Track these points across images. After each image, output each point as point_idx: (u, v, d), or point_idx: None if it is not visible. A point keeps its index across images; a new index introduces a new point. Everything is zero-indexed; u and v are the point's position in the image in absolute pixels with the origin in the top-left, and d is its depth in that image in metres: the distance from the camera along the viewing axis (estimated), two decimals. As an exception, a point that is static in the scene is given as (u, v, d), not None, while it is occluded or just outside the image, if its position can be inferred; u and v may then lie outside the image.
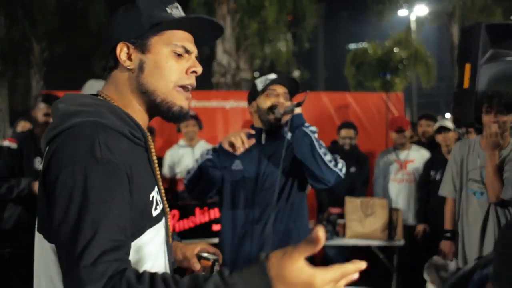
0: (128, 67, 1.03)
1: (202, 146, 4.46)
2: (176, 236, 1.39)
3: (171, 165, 4.51)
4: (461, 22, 12.35)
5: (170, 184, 4.47)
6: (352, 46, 24.90)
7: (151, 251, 1.00)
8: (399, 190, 4.20)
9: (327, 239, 3.64)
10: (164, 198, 1.09)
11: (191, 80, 1.07)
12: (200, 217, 3.70)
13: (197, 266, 1.29)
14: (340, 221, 3.77)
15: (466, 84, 3.04)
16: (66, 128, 0.93)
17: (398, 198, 4.19)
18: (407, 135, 4.27)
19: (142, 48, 1.02)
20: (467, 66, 3.00)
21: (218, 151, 2.21)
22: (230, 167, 2.22)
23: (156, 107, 1.05)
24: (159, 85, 1.03)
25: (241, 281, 0.74)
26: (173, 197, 4.42)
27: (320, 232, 0.71)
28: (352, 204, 3.68)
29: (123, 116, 0.99)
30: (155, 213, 1.01)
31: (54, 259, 0.91)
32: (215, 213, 3.71)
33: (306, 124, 2.05)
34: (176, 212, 3.68)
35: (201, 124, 4.53)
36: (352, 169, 4.41)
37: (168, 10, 1.05)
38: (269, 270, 0.73)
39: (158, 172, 1.07)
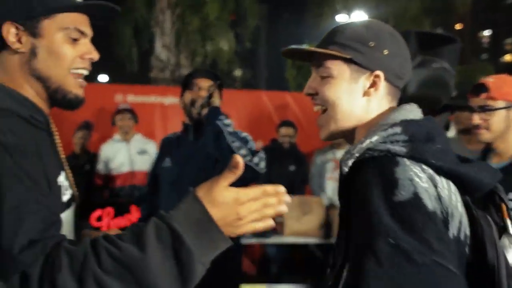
0: (19, 50, 0.97)
1: (138, 141, 4.33)
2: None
3: (105, 161, 4.32)
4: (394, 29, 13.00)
5: (105, 180, 4.29)
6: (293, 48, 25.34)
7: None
8: (335, 188, 4.31)
9: (266, 236, 3.66)
10: (73, 184, 1.07)
11: (85, 64, 1.03)
12: (137, 214, 3.57)
13: None
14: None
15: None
16: None
17: (334, 196, 4.31)
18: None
19: (33, 31, 0.96)
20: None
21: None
22: (161, 165, 2.17)
23: (50, 94, 1.01)
24: (54, 72, 0.99)
25: (177, 213, 0.78)
26: (109, 194, 4.25)
27: (238, 158, 0.80)
28: (289, 202, 3.72)
29: (19, 98, 0.95)
30: (64, 198, 0.99)
31: None
32: (151, 211, 3.61)
33: (221, 117, 1.99)
34: (111, 209, 3.54)
35: (137, 118, 4.38)
36: (291, 168, 4.48)
37: None
38: (200, 197, 0.79)
39: (63, 156, 1.06)
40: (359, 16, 15.40)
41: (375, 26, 1.02)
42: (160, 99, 5.13)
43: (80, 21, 1.01)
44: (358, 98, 1.00)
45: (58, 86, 1.00)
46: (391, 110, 1.00)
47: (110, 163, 4.31)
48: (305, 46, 1.08)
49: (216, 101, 2.04)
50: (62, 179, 0.98)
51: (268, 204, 0.82)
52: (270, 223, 0.83)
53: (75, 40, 1.00)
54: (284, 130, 4.45)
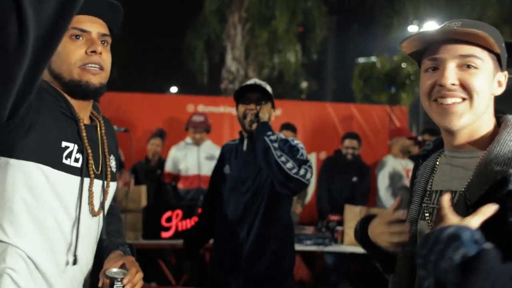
0: None
1: (208, 146, 4.53)
2: (122, 246, 1.35)
3: (175, 161, 4.55)
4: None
5: (173, 179, 4.56)
6: (361, 59, 24.98)
7: (57, 189, 1.10)
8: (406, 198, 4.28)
9: (326, 245, 3.71)
10: (91, 164, 1.19)
11: (93, 59, 1.16)
12: (203, 217, 3.78)
13: (100, 282, 1.25)
14: (339, 228, 3.84)
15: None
16: None
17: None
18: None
19: None
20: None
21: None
22: (222, 171, 2.34)
23: (67, 87, 1.16)
24: (63, 68, 1.15)
25: None
26: (176, 196, 4.51)
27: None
28: (351, 211, 3.75)
29: (51, 89, 1.15)
30: (66, 161, 1.13)
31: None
32: (217, 214, 3.80)
33: (269, 132, 2.08)
34: (179, 211, 3.77)
35: (209, 128, 4.59)
36: (354, 179, 4.49)
37: None
38: None
39: (86, 143, 1.18)
40: (431, 26, 14.91)
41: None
42: (230, 110, 5.37)
43: (80, 20, 1.14)
44: (489, 94, 1.02)
45: (70, 79, 1.15)
46: (507, 124, 1.02)
47: (179, 164, 4.54)
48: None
49: (264, 116, 2.15)
50: (73, 148, 1.14)
51: None
52: None
53: (77, 37, 1.15)
54: (348, 142, 4.49)
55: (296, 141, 2.21)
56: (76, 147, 1.16)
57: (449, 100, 1.00)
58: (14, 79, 0.79)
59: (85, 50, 1.16)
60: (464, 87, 0.99)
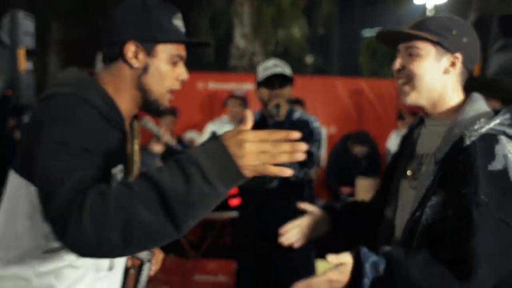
0: (133, 65, 1.15)
1: None
2: None
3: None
4: (478, 10, 12.24)
5: None
6: (367, 32, 24.66)
7: None
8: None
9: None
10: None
11: (179, 86, 1.22)
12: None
13: (129, 263, 1.31)
14: (350, 199, 3.96)
15: (476, 72, 3.17)
16: (52, 94, 1.07)
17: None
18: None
19: (150, 52, 1.15)
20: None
21: None
22: None
23: (146, 103, 1.19)
24: (155, 87, 1.17)
25: (198, 150, 0.89)
26: None
27: (248, 114, 0.91)
28: (363, 183, 3.86)
29: (105, 98, 1.13)
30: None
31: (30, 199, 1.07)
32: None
33: None
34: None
35: (247, 105, 4.61)
36: (364, 163, 4.55)
37: (174, 22, 1.18)
38: (221, 139, 0.88)
39: (136, 158, 1.23)
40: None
41: (458, 19, 1.27)
42: (239, 86, 5.43)
43: (182, 48, 1.20)
44: (438, 75, 1.23)
45: (155, 99, 1.18)
46: (470, 99, 1.23)
47: None
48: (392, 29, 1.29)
49: (283, 109, 2.33)
50: (118, 172, 1.15)
51: (282, 150, 0.86)
52: (277, 170, 0.86)
53: (175, 63, 1.19)
54: (357, 149, 4.43)
55: (315, 124, 2.36)
56: (122, 168, 1.19)
57: (400, 81, 1.26)
58: None
59: (176, 77, 1.20)
60: (406, 71, 1.23)
